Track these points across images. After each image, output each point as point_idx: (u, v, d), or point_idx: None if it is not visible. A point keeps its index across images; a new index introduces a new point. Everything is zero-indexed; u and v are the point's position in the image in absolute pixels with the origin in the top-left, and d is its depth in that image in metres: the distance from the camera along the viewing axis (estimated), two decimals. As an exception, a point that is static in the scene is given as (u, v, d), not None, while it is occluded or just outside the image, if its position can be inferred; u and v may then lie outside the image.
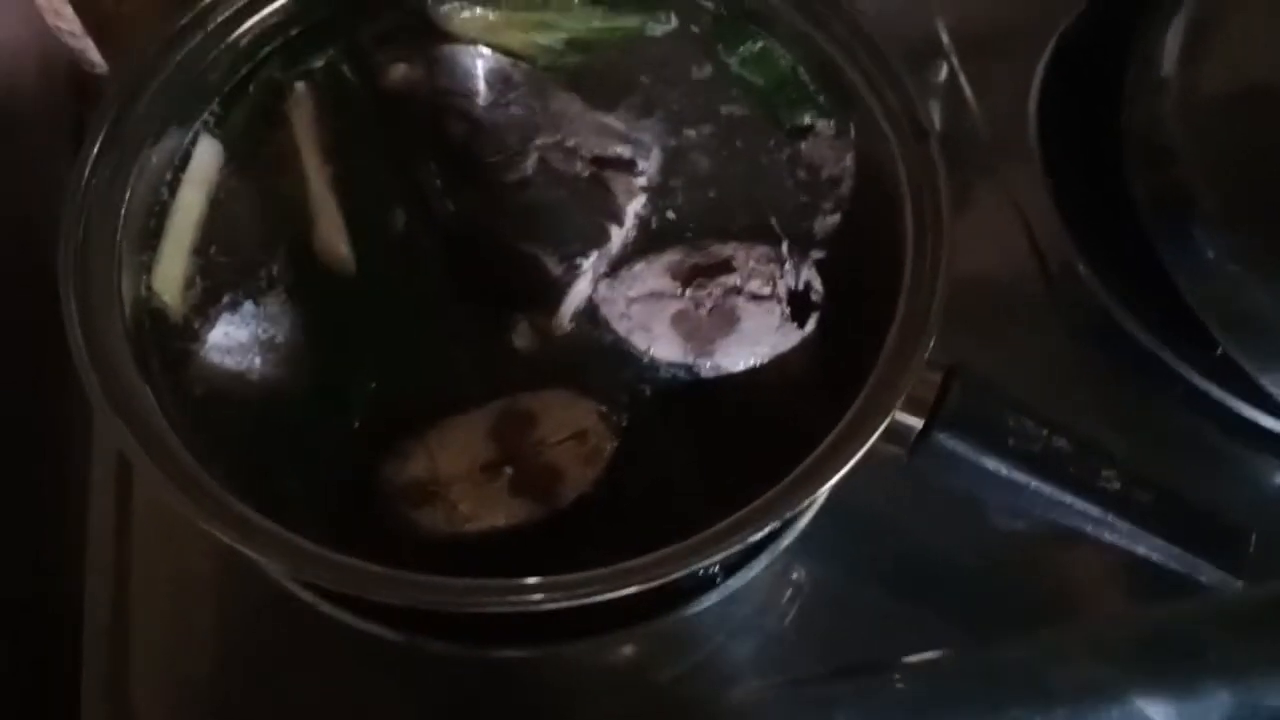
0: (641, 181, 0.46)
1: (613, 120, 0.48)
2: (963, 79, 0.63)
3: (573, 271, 0.43)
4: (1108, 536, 0.39)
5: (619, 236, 0.45)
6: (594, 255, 0.44)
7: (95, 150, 0.43)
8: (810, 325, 0.43)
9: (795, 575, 0.47)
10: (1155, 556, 0.39)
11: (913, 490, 0.45)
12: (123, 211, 0.44)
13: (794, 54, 0.50)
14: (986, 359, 0.48)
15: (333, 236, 0.45)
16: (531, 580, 0.35)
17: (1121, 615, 0.47)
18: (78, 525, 0.46)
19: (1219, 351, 0.50)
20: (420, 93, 0.48)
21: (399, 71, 0.49)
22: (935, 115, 0.63)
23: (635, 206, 0.46)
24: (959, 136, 0.62)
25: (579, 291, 0.44)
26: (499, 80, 0.49)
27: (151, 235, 0.45)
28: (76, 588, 0.45)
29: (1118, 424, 0.51)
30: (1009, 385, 0.46)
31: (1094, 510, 0.38)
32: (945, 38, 0.65)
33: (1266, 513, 0.51)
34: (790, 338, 0.43)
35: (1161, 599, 0.45)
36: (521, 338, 0.43)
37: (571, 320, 0.44)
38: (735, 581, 0.46)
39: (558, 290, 0.43)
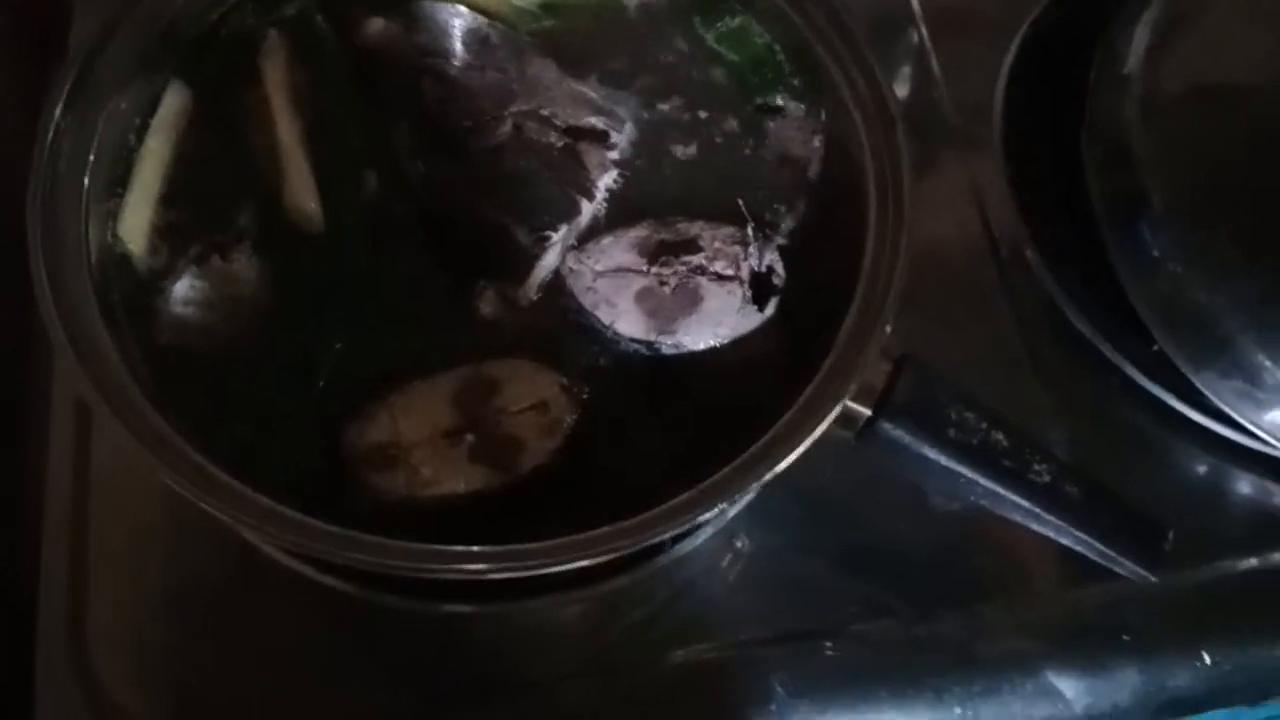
0: (614, 155, 0.47)
1: (588, 90, 0.49)
2: (933, 59, 0.64)
3: (542, 243, 0.44)
4: (1036, 527, 0.41)
5: (589, 210, 0.46)
6: (563, 228, 0.45)
7: (64, 95, 0.43)
8: (770, 308, 0.45)
9: (740, 544, 0.49)
10: (1079, 548, 0.41)
11: (857, 468, 0.46)
12: (90, 158, 0.44)
13: (770, 33, 0.50)
14: (933, 337, 0.50)
15: (302, 193, 0.45)
16: (480, 550, 0.37)
17: (1047, 595, 0.49)
18: (36, 472, 0.47)
19: (1156, 348, 0.52)
20: (396, 50, 0.48)
21: (375, 26, 0.49)
22: (903, 91, 0.63)
23: (607, 180, 0.46)
24: (924, 115, 0.62)
25: (547, 263, 0.44)
26: (476, 41, 0.49)
27: (119, 183, 0.45)
28: (34, 535, 0.46)
29: (1057, 410, 0.54)
30: (953, 365, 0.48)
31: (1024, 502, 0.41)
32: (918, 13, 0.65)
33: (1188, 500, 0.53)
34: (750, 320, 0.44)
35: (1086, 581, 0.48)
36: (488, 305, 0.44)
37: (538, 291, 0.45)
38: (682, 547, 0.48)
39: (526, 261, 0.44)
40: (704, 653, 0.47)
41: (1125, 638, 0.48)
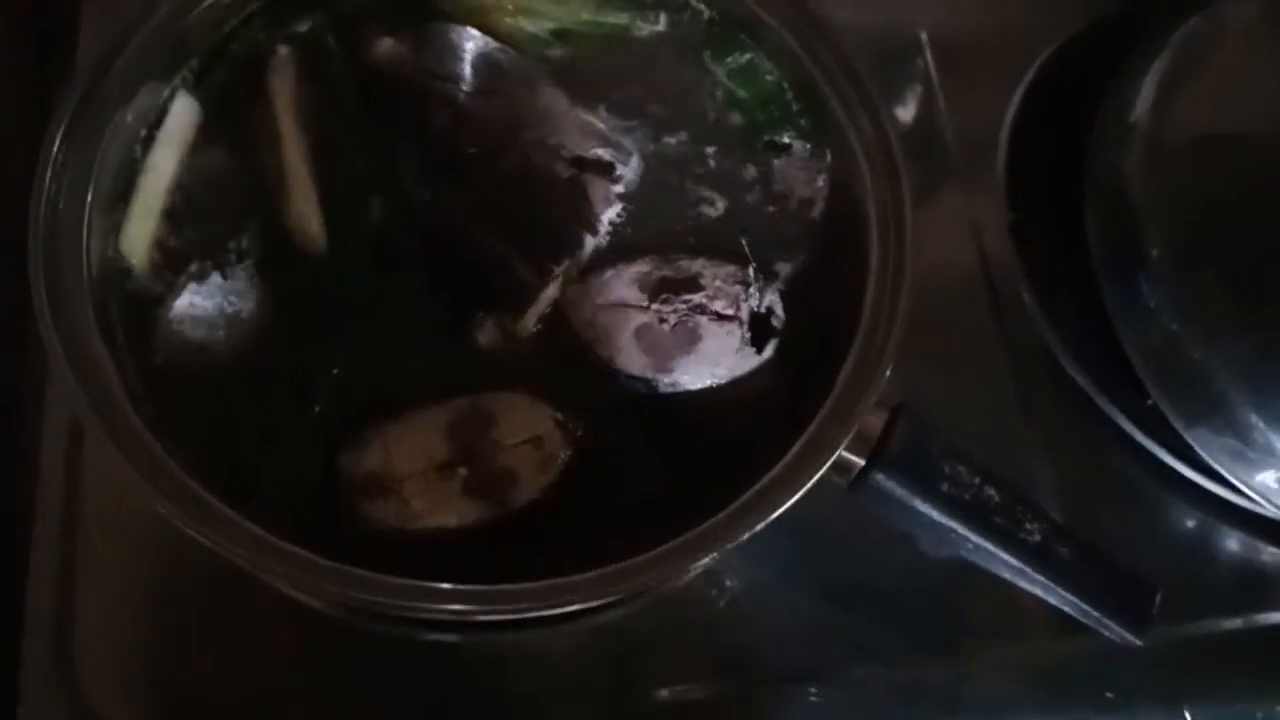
0: (619, 189, 0.47)
1: (596, 120, 0.49)
2: (940, 96, 0.64)
3: (543, 277, 0.44)
4: (1024, 584, 0.41)
5: (591, 244, 0.46)
6: (566, 263, 0.45)
7: (71, 106, 0.43)
8: (768, 351, 0.45)
9: (729, 582, 0.49)
10: (1066, 608, 0.41)
11: (848, 509, 0.46)
12: (95, 169, 0.43)
13: (779, 71, 0.50)
14: (927, 379, 0.50)
15: (305, 213, 0.45)
16: (468, 590, 0.37)
17: (1033, 646, 0.49)
18: (27, 481, 0.46)
19: (1150, 402, 0.52)
20: (405, 72, 0.48)
21: (385, 46, 0.49)
22: (907, 124, 0.64)
23: (611, 214, 0.46)
24: (929, 154, 0.63)
25: (547, 297, 0.44)
26: (487, 67, 0.49)
27: (123, 195, 0.45)
28: (23, 545, 0.46)
29: (1048, 459, 0.54)
30: (946, 409, 0.48)
31: (1014, 560, 0.41)
32: (928, 52, 0.65)
33: (1176, 555, 0.54)
34: (748, 362, 0.45)
35: (1073, 633, 0.47)
36: (486, 336, 0.44)
37: (537, 324, 0.44)
38: (670, 584, 0.48)
39: (526, 293, 0.44)
40: (687, 692, 0.47)
41: (1109, 694, 0.48)
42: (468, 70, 0.48)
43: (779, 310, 0.45)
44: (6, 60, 0.51)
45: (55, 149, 0.42)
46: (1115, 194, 0.56)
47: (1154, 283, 0.52)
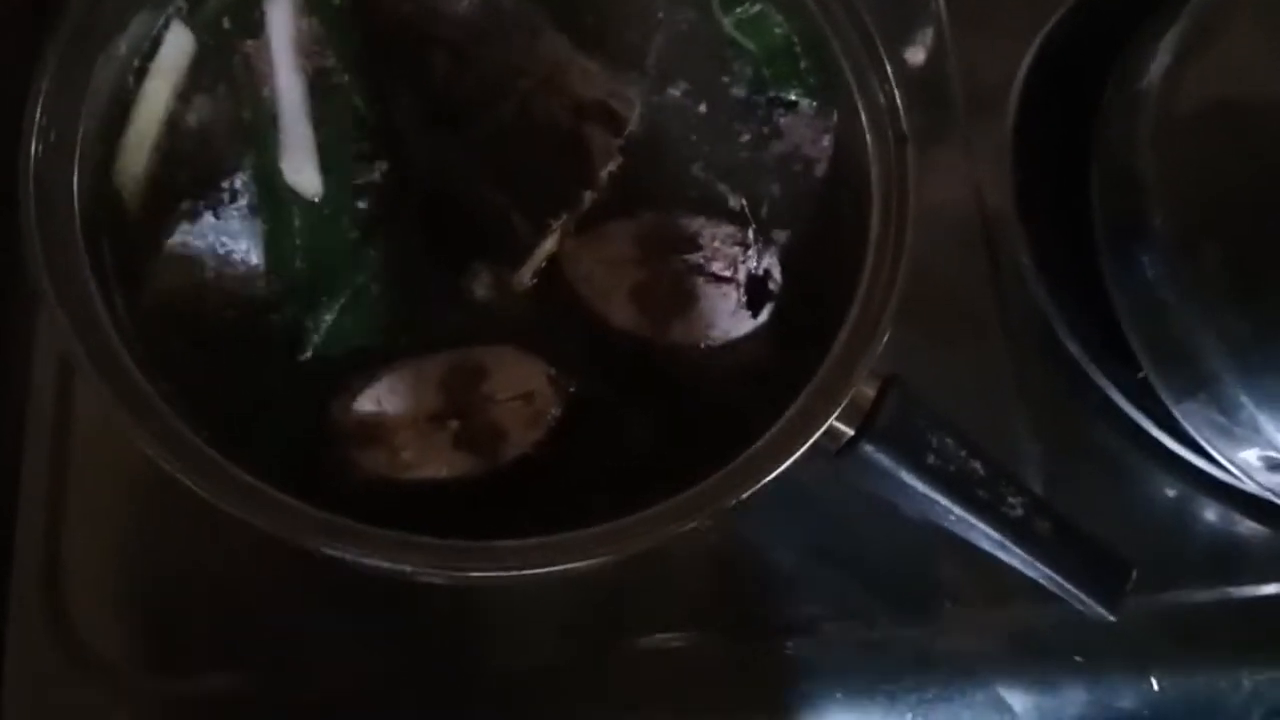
0: (620, 142, 0.46)
1: (599, 68, 0.48)
2: (950, 49, 0.63)
3: (540, 231, 0.44)
4: (1003, 556, 0.42)
5: (590, 199, 0.45)
6: (564, 217, 0.44)
7: (64, 36, 0.41)
8: (764, 315, 0.45)
9: (710, 537, 0.50)
10: (1042, 580, 0.42)
11: (834, 473, 0.47)
12: (86, 102, 0.42)
13: (789, 25, 0.49)
14: (919, 342, 0.50)
15: (300, 157, 0.44)
16: (457, 545, 0.37)
17: (1007, 609, 0.50)
18: (15, 418, 0.46)
19: (1140, 375, 0.52)
20: (405, 11, 0.47)
21: None
22: (915, 70, 0.62)
23: (611, 168, 0.46)
24: (934, 106, 0.62)
25: (543, 251, 0.44)
26: (487, 9, 0.48)
27: (115, 128, 0.44)
28: (12, 479, 0.46)
29: (1036, 427, 0.54)
30: (936, 373, 0.48)
31: (995, 534, 0.41)
32: (941, 3, 0.64)
33: (1153, 525, 0.54)
34: (743, 325, 0.44)
35: (1047, 599, 0.48)
36: (482, 287, 0.44)
37: (533, 277, 0.44)
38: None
39: (523, 247, 0.44)
40: (668, 641, 0.48)
41: (1077, 658, 0.49)
42: (470, 13, 0.47)
43: (776, 274, 0.45)
44: None
45: (46, 81, 0.41)
46: (1122, 161, 0.55)
47: (1154, 254, 0.52)
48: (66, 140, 0.41)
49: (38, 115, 0.40)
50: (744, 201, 0.46)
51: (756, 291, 0.45)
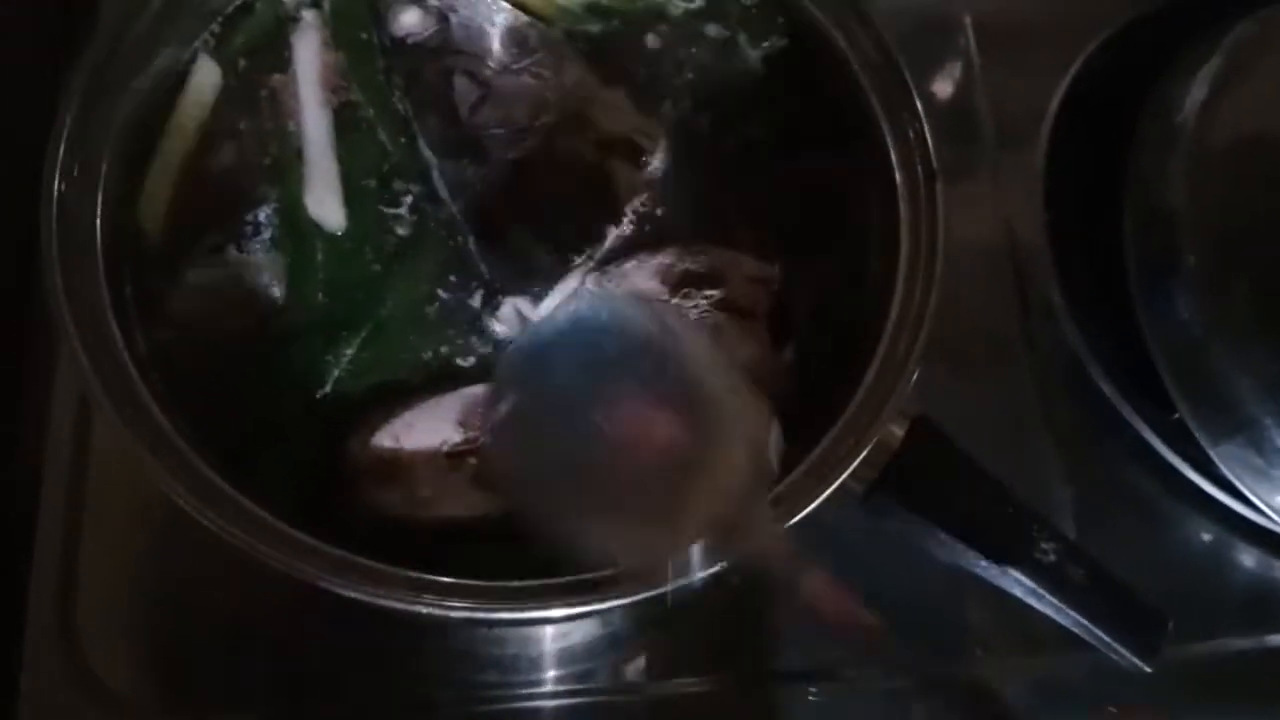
0: (645, 176, 0.46)
1: (625, 101, 0.47)
2: (980, 84, 0.62)
3: (564, 266, 0.43)
4: (1035, 604, 0.41)
5: (614, 235, 0.45)
6: (587, 253, 0.44)
7: (86, 70, 0.42)
8: (788, 353, 0.44)
9: (734, 579, 0.49)
10: (1076, 630, 0.41)
11: (859, 517, 0.46)
12: (111, 134, 0.42)
13: (818, 60, 0.49)
14: (947, 380, 0.49)
15: (324, 190, 0.44)
16: (471, 585, 0.36)
17: (1038, 657, 0.49)
18: (33, 455, 0.46)
19: (1175, 416, 0.51)
20: (431, 44, 0.47)
21: (410, 17, 0.47)
22: (943, 104, 0.62)
23: (636, 204, 0.45)
24: (964, 142, 0.61)
25: (567, 287, 0.43)
26: (515, 42, 0.47)
27: (139, 162, 0.44)
28: (30, 513, 0.46)
29: (1067, 468, 0.53)
30: (965, 411, 0.47)
31: (1027, 581, 0.40)
32: (971, 37, 0.63)
33: (1189, 571, 0.53)
34: (767, 361, 0.44)
35: (1079, 647, 0.47)
36: (503, 324, 0.43)
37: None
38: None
39: (546, 282, 0.43)
40: (687, 685, 0.47)
41: (1112, 709, 0.48)
42: (496, 45, 0.47)
43: (800, 311, 0.44)
44: (29, 26, 0.50)
45: (69, 117, 0.41)
46: (1155, 196, 0.54)
47: (1188, 292, 0.51)
48: (89, 176, 0.41)
49: (60, 151, 0.40)
50: (769, 237, 0.45)
51: (781, 327, 0.44)
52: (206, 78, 0.46)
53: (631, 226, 0.45)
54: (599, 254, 0.44)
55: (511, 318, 0.43)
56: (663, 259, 0.45)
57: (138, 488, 0.46)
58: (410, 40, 0.47)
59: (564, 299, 0.43)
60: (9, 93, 0.49)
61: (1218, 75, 0.54)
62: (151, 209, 0.44)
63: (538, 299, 0.43)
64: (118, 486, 0.46)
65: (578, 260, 0.43)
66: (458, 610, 0.36)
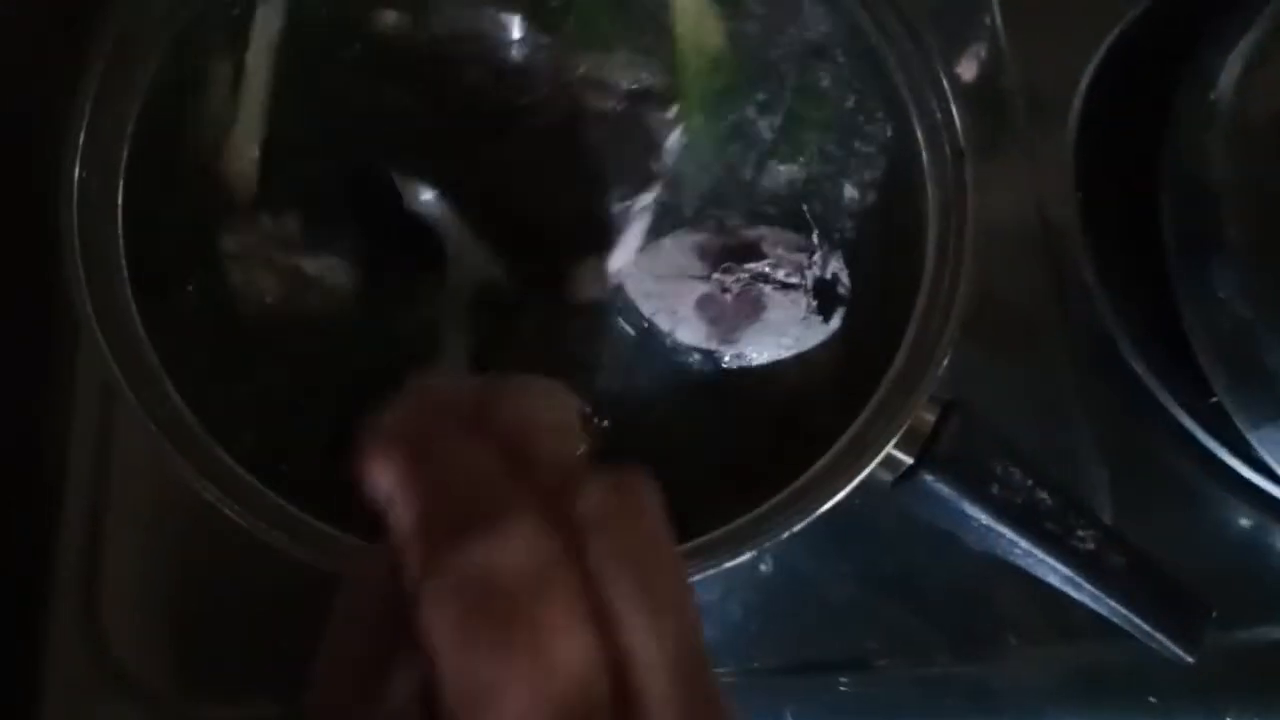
0: (672, 114, 0.44)
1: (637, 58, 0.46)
2: (1008, 60, 0.61)
3: (627, 213, 0.42)
4: (1073, 593, 0.40)
5: (660, 182, 0.43)
6: (647, 195, 0.43)
7: (105, 51, 0.41)
8: (836, 320, 0.43)
9: (763, 567, 0.48)
10: (1115, 619, 0.40)
11: (892, 504, 0.45)
12: (131, 120, 0.42)
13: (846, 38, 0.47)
14: (981, 364, 0.48)
15: (242, 149, 0.42)
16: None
17: (1074, 647, 0.48)
18: (57, 447, 0.46)
19: (1213, 399, 0.50)
20: (418, 41, 0.45)
21: (388, 19, 0.45)
22: (970, 84, 0.60)
23: (674, 141, 0.44)
24: (996, 121, 0.59)
25: (635, 232, 0.43)
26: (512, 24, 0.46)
27: (161, 144, 0.43)
28: (54, 501, 0.46)
29: (1104, 456, 0.52)
30: (999, 396, 0.46)
31: (1065, 569, 0.39)
32: (998, 13, 0.62)
33: (1228, 558, 0.52)
34: (815, 332, 0.43)
35: (1115, 636, 0.46)
36: (528, 317, 0.42)
37: (629, 264, 0.43)
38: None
39: (609, 236, 0.42)
40: (720, 676, 0.46)
41: (1151, 699, 0.47)
42: (497, 31, 0.46)
43: (845, 279, 0.43)
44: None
45: (90, 98, 0.40)
46: (1192, 172, 0.52)
47: (1227, 271, 0.50)
48: (109, 161, 0.41)
49: (81, 137, 0.40)
50: (805, 208, 0.44)
51: (826, 297, 0.43)
52: (271, 24, 0.45)
53: (662, 202, 0.44)
54: (655, 197, 0.43)
55: (537, 311, 0.42)
56: (698, 235, 0.44)
57: (160, 476, 0.45)
58: (396, 40, 0.45)
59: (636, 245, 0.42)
60: (26, 80, 0.48)
61: (1256, 47, 0.53)
62: (240, 168, 0.43)
63: (603, 253, 0.42)
64: (140, 475, 0.46)
65: (641, 201, 0.42)
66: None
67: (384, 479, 0.25)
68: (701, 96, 0.45)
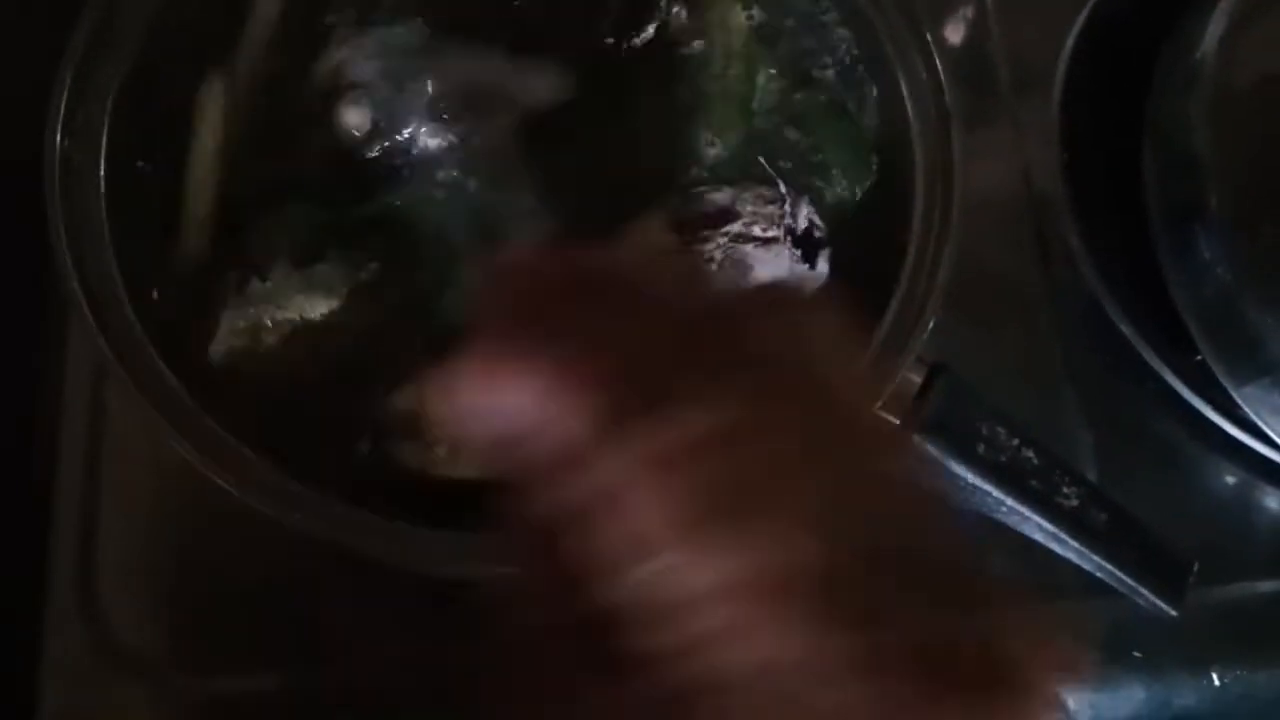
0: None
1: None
2: (993, 20, 0.61)
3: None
4: (1058, 549, 0.40)
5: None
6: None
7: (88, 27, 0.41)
8: (823, 265, 0.43)
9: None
10: (1099, 574, 0.40)
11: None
12: (113, 89, 0.42)
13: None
14: (965, 326, 0.49)
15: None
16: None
17: (1060, 604, 0.48)
18: (50, 422, 0.46)
19: (1198, 358, 0.50)
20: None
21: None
22: (956, 47, 0.60)
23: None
24: (977, 82, 0.60)
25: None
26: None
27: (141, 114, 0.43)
28: (48, 478, 0.46)
29: (1090, 417, 0.52)
30: (983, 358, 0.46)
31: (1049, 525, 0.40)
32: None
33: (1213, 516, 0.52)
34: (806, 281, 0.43)
35: (1101, 593, 0.47)
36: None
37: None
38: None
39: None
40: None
41: (1136, 654, 0.48)
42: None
43: (819, 222, 0.44)
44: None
45: (71, 70, 0.40)
46: (1176, 137, 0.53)
47: (1212, 234, 0.50)
48: (92, 131, 0.41)
49: (63, 104, 0.40)
50: (763, 159, 0.45)
51: (806, 244, 0.43)
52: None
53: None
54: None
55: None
56: (668, 209, 0.44)
57: (154, 452, 0.45)
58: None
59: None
60: (16, 59, 0.48)
61: (1238, 7, 0.53)
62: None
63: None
64: (134, 452, 0.46)
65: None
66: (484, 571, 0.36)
67: (528, 386, 0.20)
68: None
